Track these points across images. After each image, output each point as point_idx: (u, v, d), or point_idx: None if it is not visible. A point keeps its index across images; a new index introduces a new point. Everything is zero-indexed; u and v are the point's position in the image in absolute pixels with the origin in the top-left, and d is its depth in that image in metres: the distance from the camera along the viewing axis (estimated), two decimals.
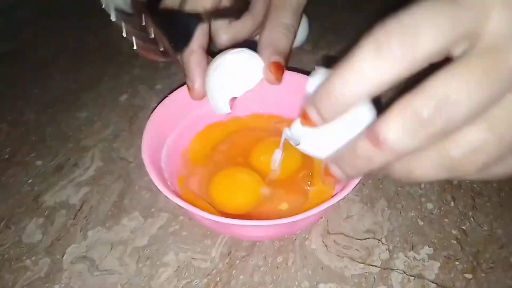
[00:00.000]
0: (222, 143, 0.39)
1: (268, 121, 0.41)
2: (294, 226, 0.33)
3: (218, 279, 0.32)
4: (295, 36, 0.38)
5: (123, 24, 0.31)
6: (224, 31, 0.37)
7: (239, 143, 0.39)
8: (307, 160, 0.37)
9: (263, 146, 0.38)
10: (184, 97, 0.38)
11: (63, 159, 0.42)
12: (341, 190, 0.30)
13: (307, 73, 0.39)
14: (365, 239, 0.34)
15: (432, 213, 0.36)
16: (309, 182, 0.36)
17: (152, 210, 0.37)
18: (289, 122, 0.40)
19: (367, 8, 0.59)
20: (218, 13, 0.36)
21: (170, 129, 0.37)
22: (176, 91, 0.37)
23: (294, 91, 0.39)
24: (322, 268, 0.33)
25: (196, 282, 0.32)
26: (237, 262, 0.33)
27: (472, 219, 0.36)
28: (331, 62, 0.20)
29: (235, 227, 0.31)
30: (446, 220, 0.36)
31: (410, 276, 0.32)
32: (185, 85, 0.38)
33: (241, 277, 0.32)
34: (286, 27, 0.36)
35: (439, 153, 0.19)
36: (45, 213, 0.37)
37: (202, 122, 0.40)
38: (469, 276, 0.32)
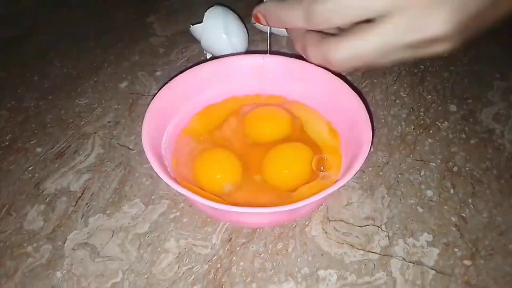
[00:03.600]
0: (220, 123, 0.39)
1: (268, 101, 0.41)
2: (293, 214, 0.33)
3: (218, 265, 0.33)
4: None
5: None
6: None
7: (238, 122, 0.39)
8: (313, 147, 0.37)
9: (257, 113, 0.39)
10: (184, 84, 0.37)
11: (63, 146, 0.42)
12: (342, 177, 0.30)
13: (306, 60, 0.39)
14: (365, 226, 0.34)
15: (432, 200, 0.36)
16: (322, 167, 0.35)
17: (152, 197, 0.37)
18: (291, 104, 0.40)
19: None
20: None
21: (171, 115, 0.37)
22: (176, 77, 0.37)
23: (294, 75, 0.39)
24: (322, 254, 0.33)
25: (196, 268, 0.32)
26: (238, 248, 0.33)
27: (471, 206, 0.36)
28: None
29: (231, 213, 0.31)
30: (445, 207, 0.36)
31: (410, 262, 0.32)
32: (185, 72, 0.37)
33: (241, 263, 0.33)
34: None
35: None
36: (46, 200, 0.37)
37: (202, 107, 0.40)
38: (468, 262, 0.32)
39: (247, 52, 0.49)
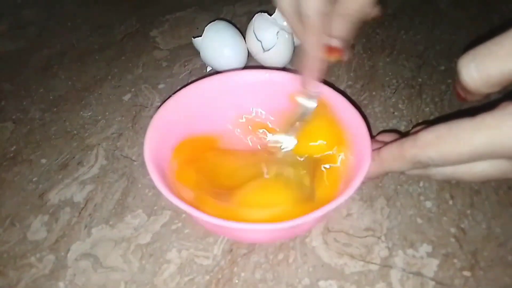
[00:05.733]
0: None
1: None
2: (292, 231, 0.33)
3: (220, 276, 0.33)
4: None
5: None
6: None
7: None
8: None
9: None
10: (188, 97, 0.38)
11: (67, 158, 0.42)
12: (344, 192, 0.30)
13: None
14: (365, 237, 0.35)
15: (431, 212, 0.36)
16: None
17: (155, 208, 0.37)
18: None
19: None
20: None
21: (173, 129, 0.37)
22: (180, 91, 0.38)
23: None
24: (322, 265, 0.33)
25: (198, 279, 0.33)
26: (239, 259, 0.34)
27: (470, 218, 0.36)
28: None
29: (229, 229, 0.31)
30: (444, 218, 0.36)
31: (409, 273, 0.33)
32: (189, 86, 0.38)
33: (242, 274, 0.33)
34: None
35: None
36: (50, 211, 0.38)
37: (205, 121, 0.40)
38: (467, 273, 0.33)
39: (247, 67, 0.49)
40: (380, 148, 0.31)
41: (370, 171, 0.31)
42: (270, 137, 0.40)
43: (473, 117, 0.24)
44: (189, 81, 0.50)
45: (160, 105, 0.36)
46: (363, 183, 0.30)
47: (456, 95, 0.28)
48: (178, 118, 0.38)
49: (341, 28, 0.32)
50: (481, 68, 0.24)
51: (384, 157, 0.30)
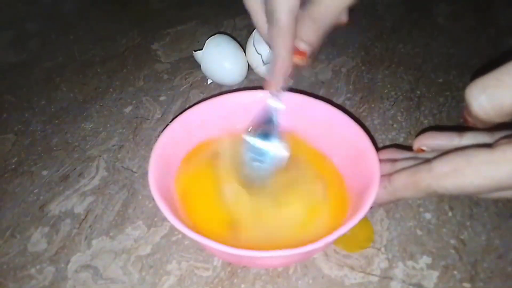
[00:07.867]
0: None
1: None
2: (303, 256, 0.32)
3: (220, 287, 0.33)
4: None
5: None
6: None
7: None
8: None
9: None
10: (192, 120, 0.37)
11: (68, 169, 0.42)
12: (351, 217, 0.29)
13: (303, 91, 0.40)
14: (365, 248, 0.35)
15: (431, 223, 0.37)
16: None
17: (155, 219, 0.38)
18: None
19: (365, 21, 0.61)
20: None
21: (178, 154, 0.37)
22: (183, 114, 0.37)
23: (294, 109, 0.38)
24: (322, 277, 0.33)
25: None
26: (239, 270, 0.34)
27: (470, 229, 0.36)
28: None
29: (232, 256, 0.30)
30: (444, 229, 0.36)
31: (409, 285, 0.33)
32: (193, 108, 0.37)
33: (242, 285, 0.33)
34: None
35: None
36: (50, 222, 0.38)
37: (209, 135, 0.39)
38: (467, 285, 0.33)
39: (247, 87, 0.50)
40: (390, 174, 0.30)
41: (381, 199, 0.30)
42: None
43: (491, 149, 0.24)
44: (190, 93, 0.50)
45: (164, 128, 0.36)
46: (372, 208, 0.30)
47: (465, 121, 0.26)
48: (183, 137, 0.37)
49: (310, 32, 0.31)
50: (493, 100, 0.23)
51: (396, 186, 0.29)
